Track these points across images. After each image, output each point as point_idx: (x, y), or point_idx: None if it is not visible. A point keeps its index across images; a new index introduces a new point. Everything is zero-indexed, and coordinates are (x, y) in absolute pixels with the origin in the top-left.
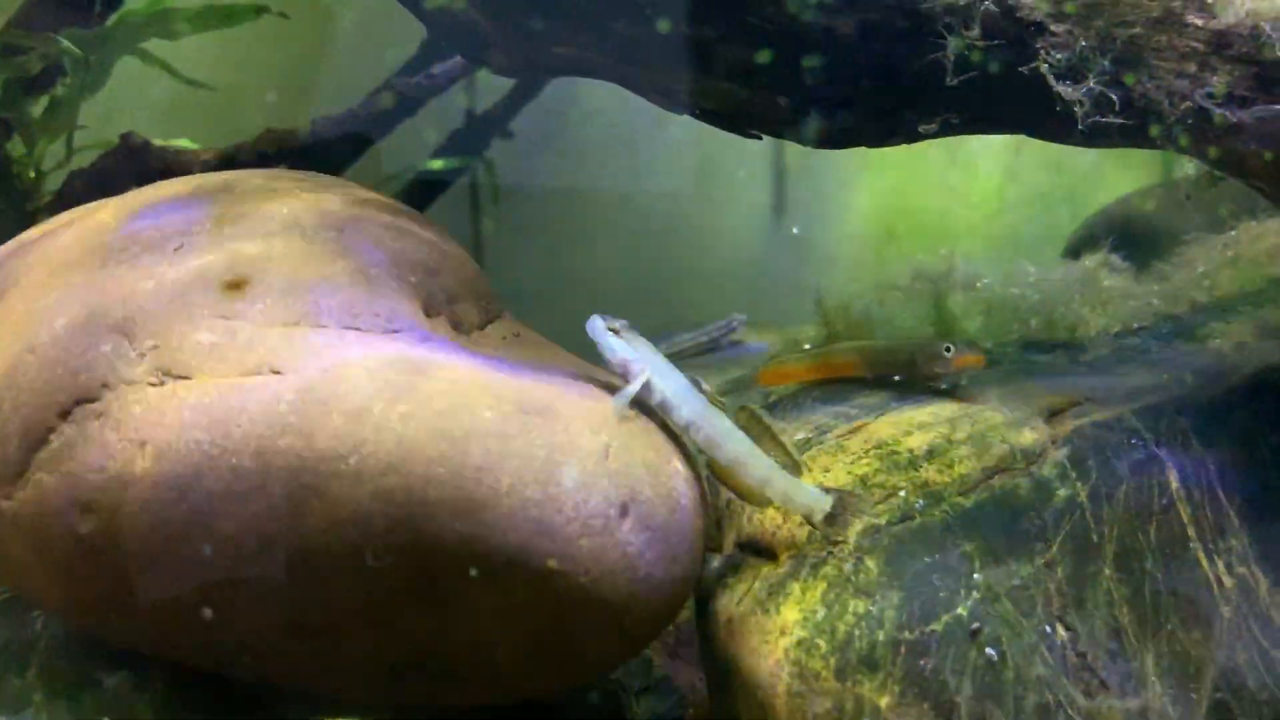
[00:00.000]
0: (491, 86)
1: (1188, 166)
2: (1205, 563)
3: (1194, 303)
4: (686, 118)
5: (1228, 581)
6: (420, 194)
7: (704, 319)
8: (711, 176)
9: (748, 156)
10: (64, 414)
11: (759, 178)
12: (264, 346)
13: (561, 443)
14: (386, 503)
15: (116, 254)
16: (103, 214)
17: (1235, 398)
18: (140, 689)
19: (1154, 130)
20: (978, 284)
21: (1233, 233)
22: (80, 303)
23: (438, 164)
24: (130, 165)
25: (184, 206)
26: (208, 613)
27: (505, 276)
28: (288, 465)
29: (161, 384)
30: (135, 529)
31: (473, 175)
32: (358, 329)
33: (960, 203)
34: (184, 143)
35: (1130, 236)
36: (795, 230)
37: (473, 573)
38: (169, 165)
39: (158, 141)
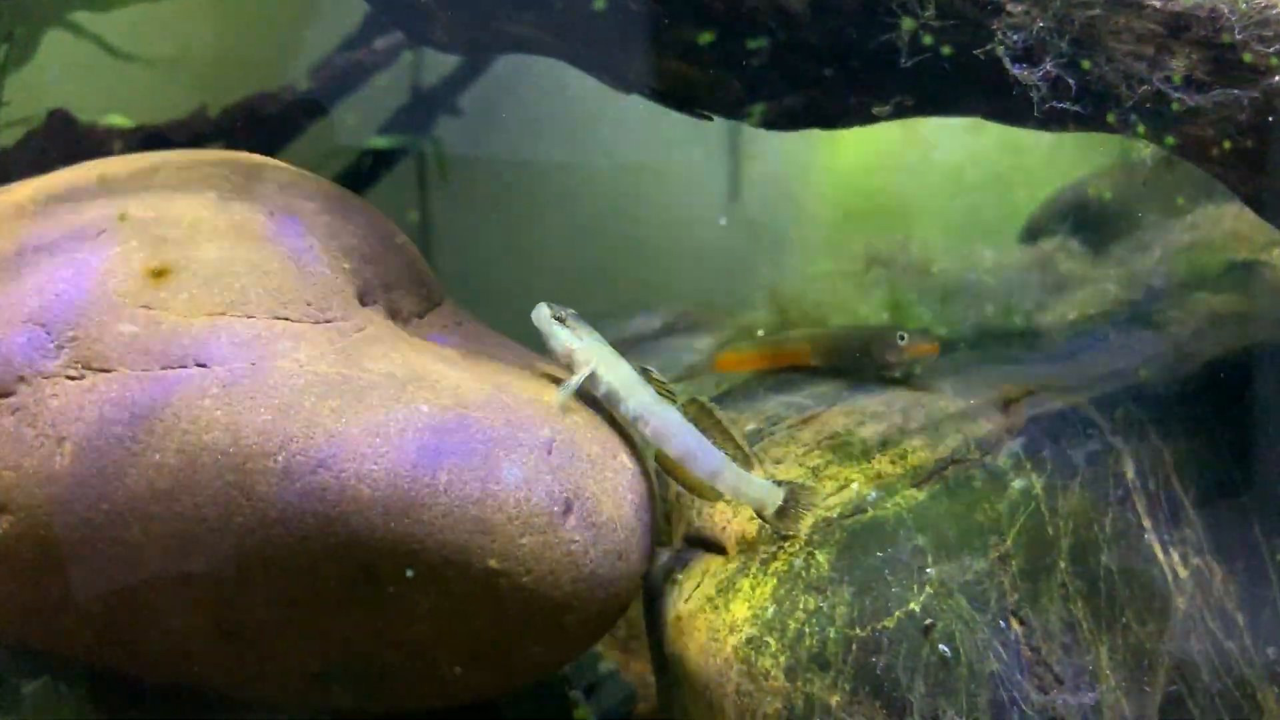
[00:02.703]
0: (439, 61)
1: (1145, 148)
2: (1160, 554)
3: (1151, 288)
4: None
5: (1182, 573)
6: (365, 171)
7: (655, 300)
8: (665, 156)
9: (703, 135)
10: None
11: (714, 157)
12: (188, 337)
13: (502, 437)
14: (317, 501)
15: (34, 239)
16: (21, 196)
17: (1192, 386)
18: (61, 695)
19: (1110, 116)
20: (934, 269)
21: (1190, 217)
22: None
23: (383, 141)
24: (58, 143)
25: (107, 189)
26: (130, 616)
27: (453, 255)
28: (213, 462)
29: (81, 377)
30: (54, 529)
31: (419, 152)
32: (287, 319)
33: (918, 184)
34: (116, 119)
35: (1087, 219)
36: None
37: (409, 573)
38: (99, 143)
39: (88, 119)
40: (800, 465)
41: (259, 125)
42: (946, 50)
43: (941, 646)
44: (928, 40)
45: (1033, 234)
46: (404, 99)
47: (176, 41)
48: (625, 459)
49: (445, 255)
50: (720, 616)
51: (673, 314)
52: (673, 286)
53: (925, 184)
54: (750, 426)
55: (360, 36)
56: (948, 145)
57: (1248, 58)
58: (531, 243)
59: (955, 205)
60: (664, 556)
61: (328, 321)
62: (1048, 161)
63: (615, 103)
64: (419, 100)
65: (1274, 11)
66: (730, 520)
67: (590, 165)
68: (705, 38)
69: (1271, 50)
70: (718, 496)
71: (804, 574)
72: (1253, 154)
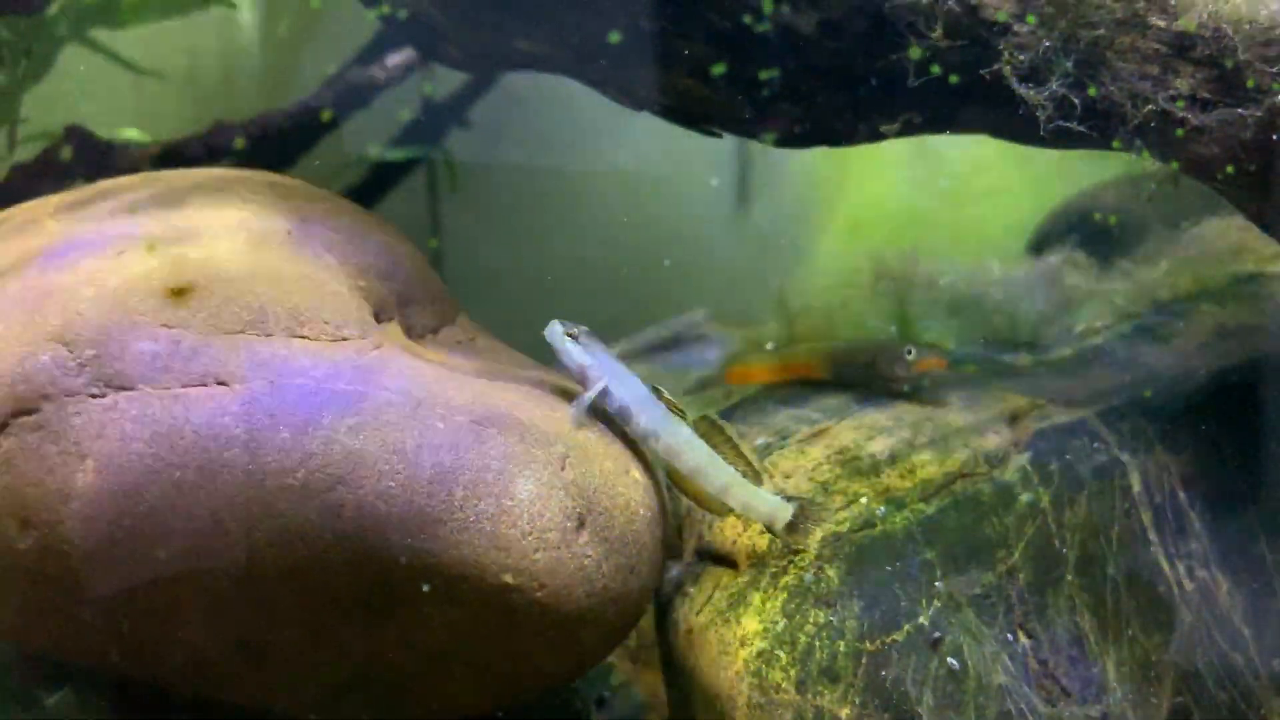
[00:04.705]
0: (449, 74)
1: (1151, 163)
2: (1166, 566)
3: (1157, 301)
4: None
5: (1188, 585)
6: (376, 184)
7: (666, 311)
8: (674, 166)
9: (711, 146)
10: (1, 426)
11: (722, 168)
12: (208, 356)
13: (517, 454)
14: (335, 518)
15: (56, 258)
16: (42, 214)
17: (1198, 400)
18: (83, 706)
19: (1116, 142)
20: (941, 282)
21: (1196, 230)
22: (17, 310)
23: (394, 154)
24: (76, 159)
25: (127, 207)
26: (151, 630)
27: (463, 267)
28: (233, 479)
29: (103, 395)
30: (76, 544)
31: (430, 164)
32: (305, 337)
33: (925, 195)
34: (132, 134)
35: (1093, 231)
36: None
37: (424, 588)
38: (115, 158)
39: (104, 134)
40: (809, 479)
41: (272, 140)
42: (955, 70)
43: (950, 659)
44: (936, 60)
45: (1039, 246)
46: (414, 112)
47: (190, 57)
48: (637, 474)
49: (456, 267)
50: (731, 630)
51: (682, 325)
52: (682, 298)
53: (931, 195)
54: (760, 440)
55: (372, 52)
56: (953, 156)
57: (1253, 79)
58: (541, 254)
59: (961, 216)
60: (675, 570)
61: (344, 339)
62: (1054, 172)
63: (623, 113)
64: (429, 112)
65: (1277, 32)
66: (741, 534)
67: (599, 175)
68: (718, 69)
69: (1275, 70)
70: (728, 511)
71: (814, 588)
72: (1257, 173)
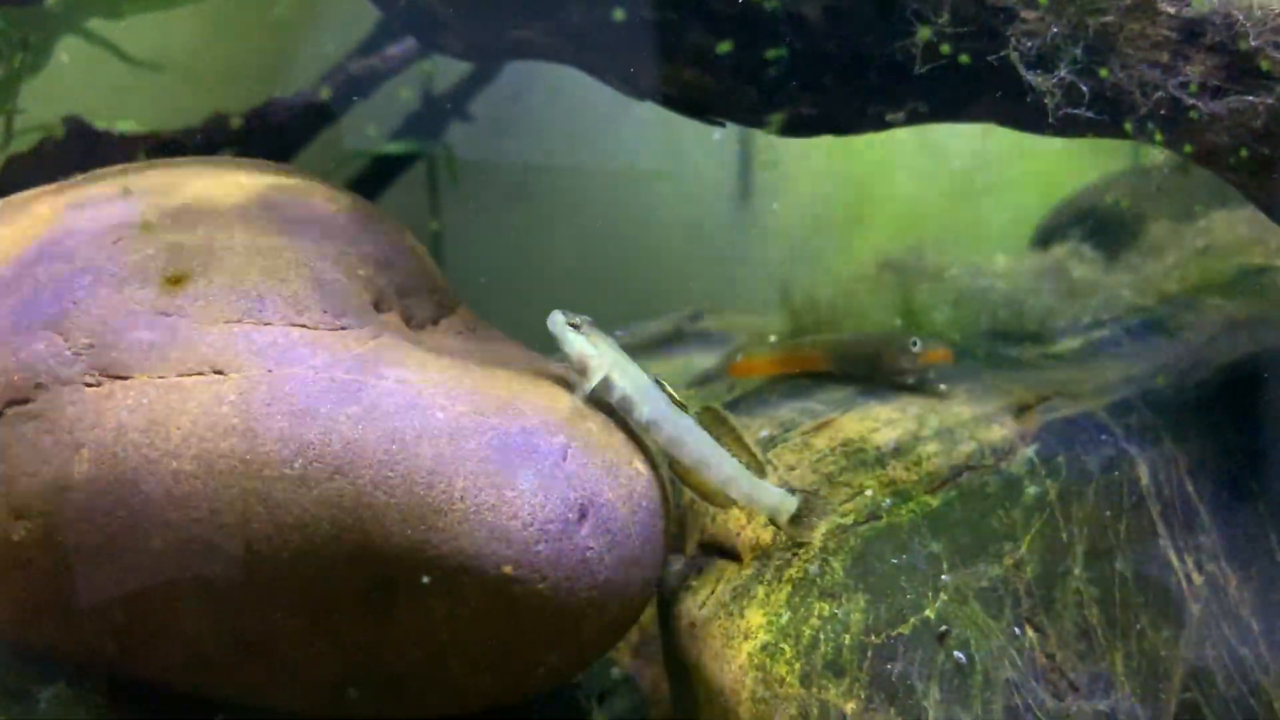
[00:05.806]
0: (451, 66)
1: (1158, 153)
2: (1175, 560)
3: (1165, 294)
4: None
5: (1197, 579)
6: (377, 177)
7: (668, 305)
8: (676, 160)
9: (714, 139)
10: None
11: (725, 161)
12: (205, 345)
13: (518, 444)
14: (334, 508)
15: (51, 246)
16: (38, 204)
17: (1206, 392)
18: (78, 701)
19: (1127, 125)
20: (946, 274)
21: (1203, 222)
22: (12, 298)
23: (395, 146)
24: (73, 149)
25: (125, 197)
26: (148, 624)
27: (463, 260)
28: (230, 469)
29: (98, 384)
30: (71, 535)
31: (430, 157)
32: (304, 326)
33: (929, 188)
34: (130, 125)
35: (1100, 224)
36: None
37: (424, 580)
38: (113, 149)
39: (102, 124)
40: (814, 471)
41: (272, 131)
42: (962, 57)
43: (956, 653)
44: (943, 47)
45: (1045, 239)
46: (415, 105)
47: (189, 48)
48: (640, 465)
49: (457, 260)
50: (735, 623)
51: (685, 318)
52: (685, 290)
53: (937, 188)
54: (764, 432)
55: (372, 43)
56: (959, 149)
57: (1265, 65)
58: (542, 247)
59: (967, 209)
60: (678, 563)
61: (344, 329)
62: (1059, 165)
63: (626, 106)
64: (430, 106)
65: None
66: (744, 527)
67: (601, 169)
68: (723, 48)
69: None
70: (731, 504)
71: (818, 581)
72: (1268, 160)
